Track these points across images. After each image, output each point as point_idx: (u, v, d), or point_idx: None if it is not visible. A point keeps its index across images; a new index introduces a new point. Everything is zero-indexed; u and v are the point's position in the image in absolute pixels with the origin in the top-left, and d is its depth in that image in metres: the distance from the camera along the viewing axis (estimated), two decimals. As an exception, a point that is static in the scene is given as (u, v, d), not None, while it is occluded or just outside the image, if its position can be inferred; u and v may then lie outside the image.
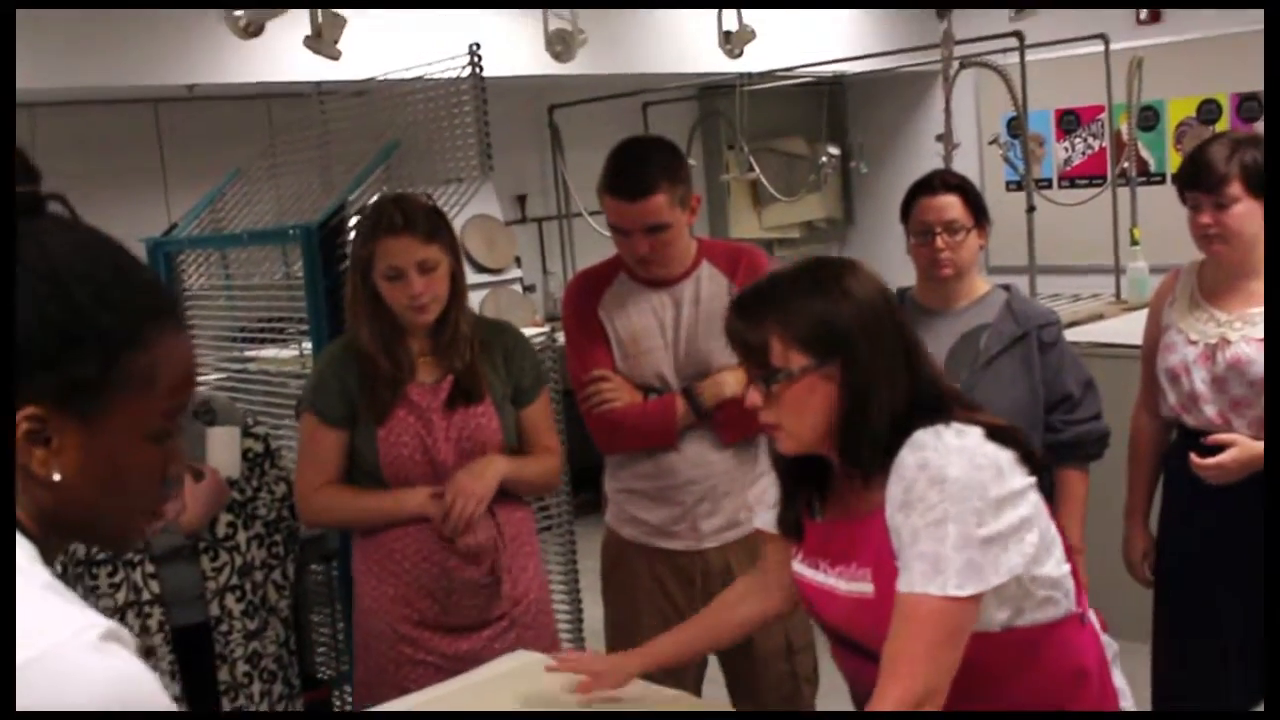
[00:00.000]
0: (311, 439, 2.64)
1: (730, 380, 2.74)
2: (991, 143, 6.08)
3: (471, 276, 6.56)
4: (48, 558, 1.11)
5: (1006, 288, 2.93)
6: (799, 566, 1.92)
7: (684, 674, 2.78)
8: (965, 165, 7.04)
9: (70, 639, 0.98)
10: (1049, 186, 7.67)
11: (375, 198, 3.22)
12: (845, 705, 2.01)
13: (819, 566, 1.87)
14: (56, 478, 1.08)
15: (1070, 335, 4.57)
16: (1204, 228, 2.72)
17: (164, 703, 1.02)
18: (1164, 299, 2.91)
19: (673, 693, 2.32)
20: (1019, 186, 6.75)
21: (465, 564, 2.60)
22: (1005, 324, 2.83)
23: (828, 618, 1.88)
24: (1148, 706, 3.04)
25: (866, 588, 1.77)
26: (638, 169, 2.69)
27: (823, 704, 2.99)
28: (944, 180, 2.91)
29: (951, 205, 2.84)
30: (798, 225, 8.75)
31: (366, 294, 2.60)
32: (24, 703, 0.94)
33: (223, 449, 2.84)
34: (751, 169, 6.69)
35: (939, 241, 2.82)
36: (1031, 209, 5.28)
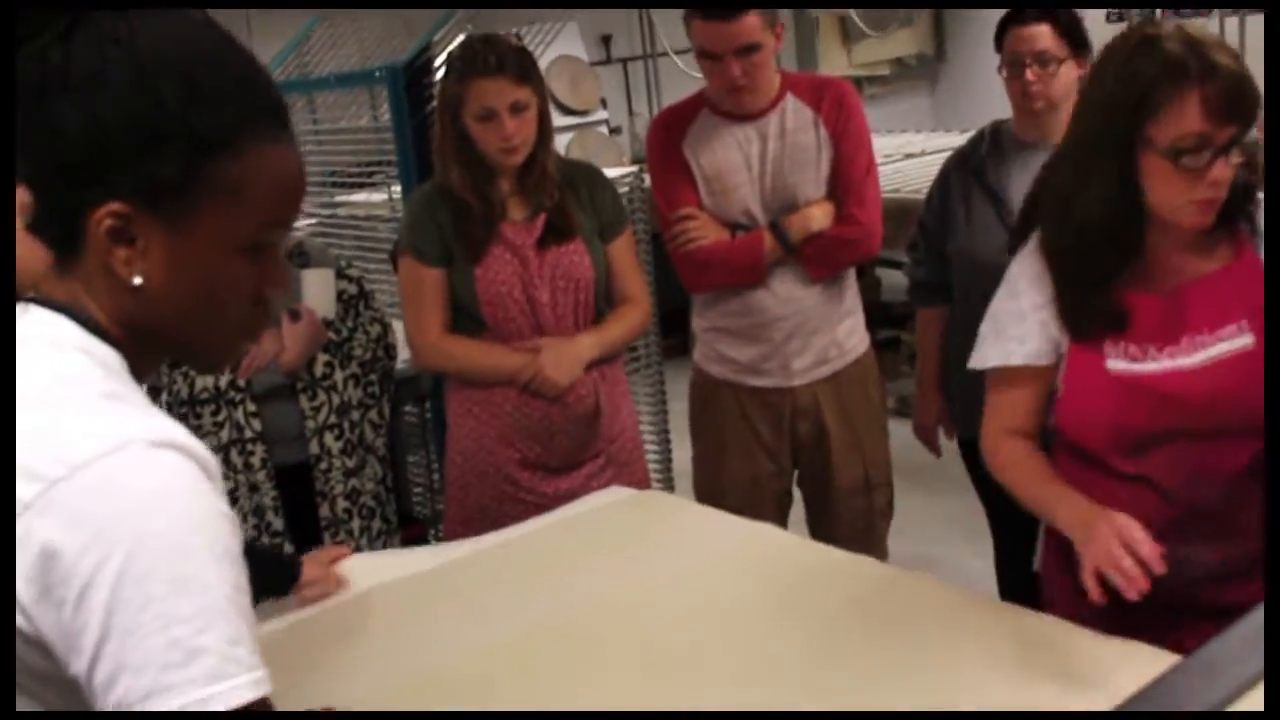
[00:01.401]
0: (413, 281, 2.66)
1: (818, 214, 2.75)
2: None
3: (557, 119, 6.52)
4: (137, 370, 1.07)
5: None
6: (1119, 365, 1.82)
7: (764, 506, 2.85)
8: None
9: (114, 450, 0.95)
10: (1153, 14, 7.39)
11: (462, 37, 3.19)
12: (912, 543, 2.04)
13: (1159, 350, 1.80)
14: (138, 281, 1.03)
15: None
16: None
17: (210, 509, 0.97)
18: None
19: (755, 524, 2.36)
20: (1120, 18, 6.50)
21: (562, 409, 2.64)
22: (1107, 158, 2.75)
23: (1179, 402, 1.78)
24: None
25: (1245, 340, 1.76)
26: None
27: (893, 541, 3.04)
28: (1034, 7, 2.80)
29: (1042, 35, 2.73)
30: (888, 62, 8.53)
31: (455, 135, 2.59)
32: (61, 515, 0.92)
33: (318, 290, 2.88)
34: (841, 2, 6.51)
35: (1029, 74, 2.72)
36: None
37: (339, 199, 4.17)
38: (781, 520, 2.90)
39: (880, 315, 6.45)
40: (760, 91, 2.74)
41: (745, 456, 2.88)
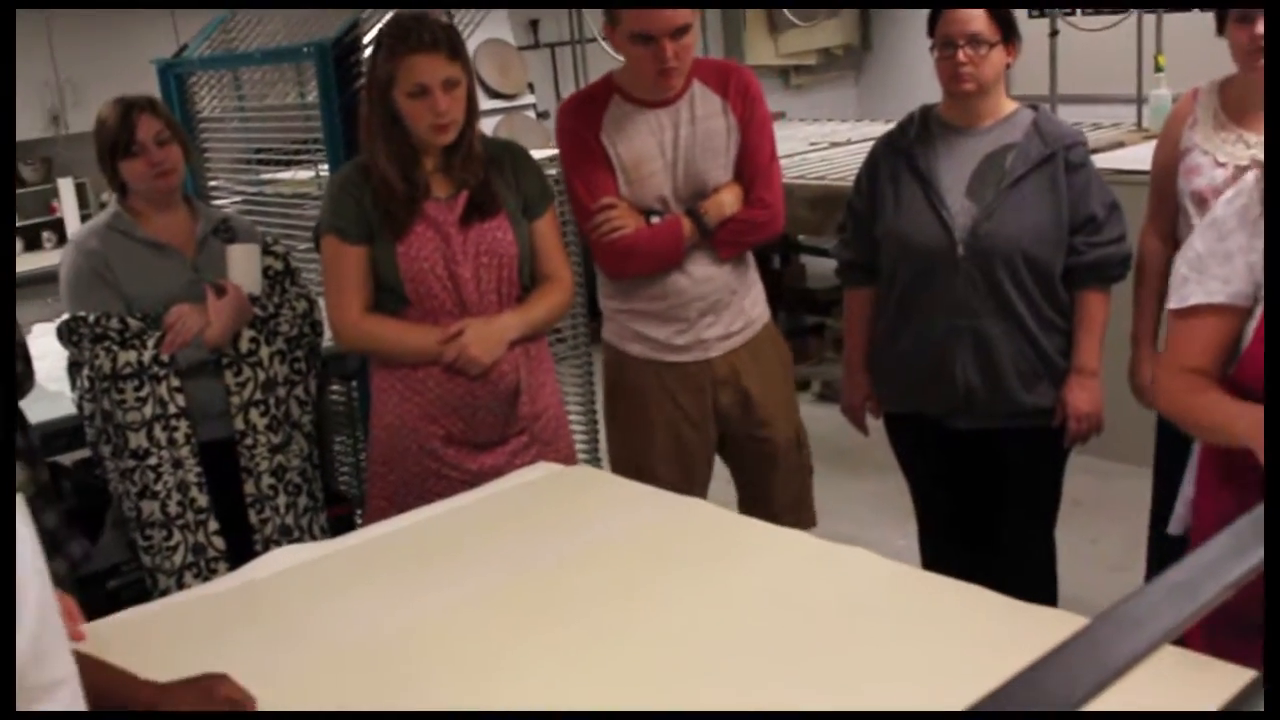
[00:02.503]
0: (336, 260, 2.64)
1: (729, 199, 2.85)
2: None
3: (485, 102, 6.51)
4: None
5: (1035, 108, 2.88)
6: None
7: (695, 477, 2.90)
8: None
9: None
10: (1073, 11, 7.50)
11: (391, 14, 3.16)
12: (838, 523, 2.08)
13: None
14: None
15: (1110, 160, 4.56)
16: (1255, 40, 2.65)
17: None
18: (1183, 120, 2.85)
19: (684, 498, 2.39)
20: (1042, 14, 6.60)
21: (485, 385, 2.63)
22: (1032, 144, 2.79)
23: None
24: (1145, 529, 3.10)
25: None
26: None
27: (821, 521, 3.10)
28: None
29: (975, 17, 2.76)
30: (814, 52, 8.59)
31: (383, 113, 2.57)
32: None
33: (244, 266, 2.84)
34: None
35: (961, 55, 2.75)
36: (1054, 33, 5.16)
37: (265, 177, 4.11)
38: (704, 490, 2.96)
39: (806, 302, 6.51)
40: (684, 75, 2.79)
41: (671, 430, 2.94)
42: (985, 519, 3.00)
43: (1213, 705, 0.79)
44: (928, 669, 1.66)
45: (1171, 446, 2.94)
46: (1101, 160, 4.41)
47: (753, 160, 2.86)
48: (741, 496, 3.07)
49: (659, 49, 2.68)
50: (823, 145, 6.22)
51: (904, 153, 2.87)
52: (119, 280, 2.78)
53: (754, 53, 8.23)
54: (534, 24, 7.27)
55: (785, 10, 7.18)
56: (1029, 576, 2.83)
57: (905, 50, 8.01)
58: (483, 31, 6.34)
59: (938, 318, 2.81)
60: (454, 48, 2.55)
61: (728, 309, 2.92)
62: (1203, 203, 2.76)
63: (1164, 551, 2.86)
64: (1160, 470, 2.97)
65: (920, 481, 3.11)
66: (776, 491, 2.98)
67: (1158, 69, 5.45)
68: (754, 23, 8.11)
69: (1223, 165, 2.75)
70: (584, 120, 2.84)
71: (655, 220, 2.83)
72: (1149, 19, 5.66)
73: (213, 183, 4.15)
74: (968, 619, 1.80)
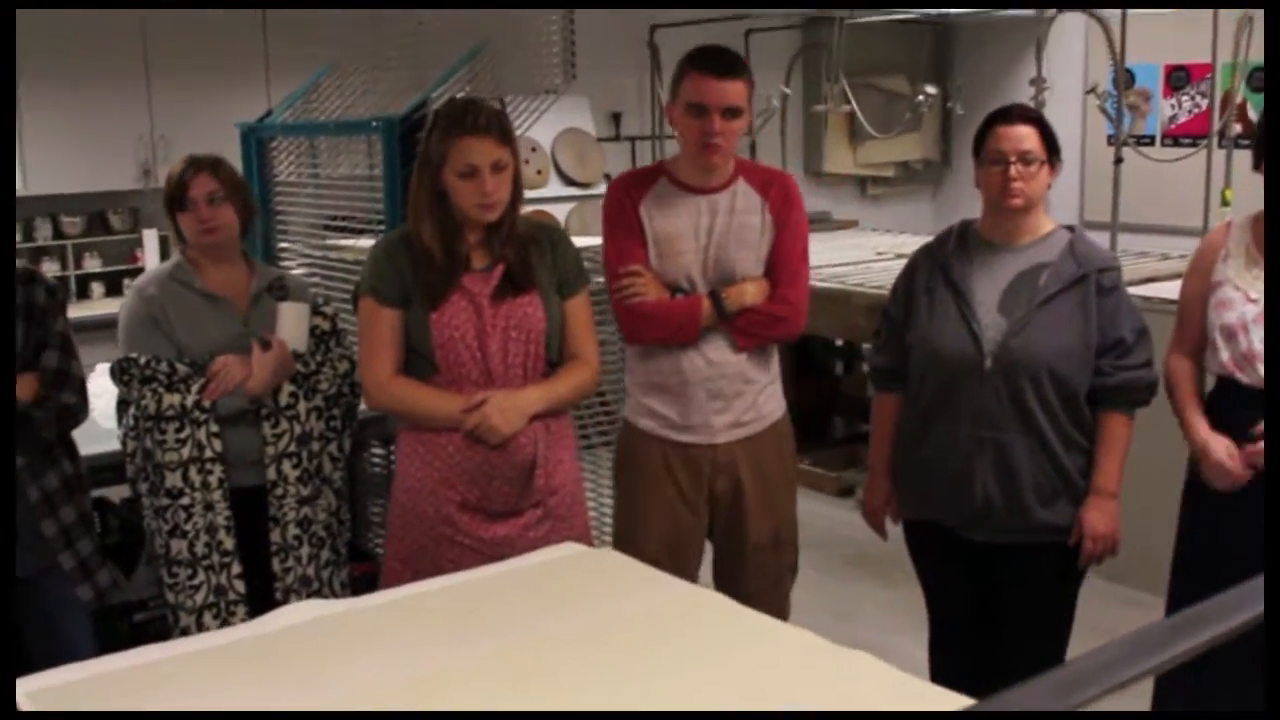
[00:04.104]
0: (370, 321, 2.74)
1: (753, 289, 2.94)
2: (1089, 92, 5.98)
3: (559, 188, 6.67)
4: None
5: (1071, 228, 2.93)
6: None
7: (684, 557, 2.94)
8: (1066, 115, 6.96)
9: None
10: (1151, 143, 7.54)
11: (447, 98, 3.30)
12: (860, 629, 2.08)
13: None
14: None
15: (1148, 290, 4.58)
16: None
17: None
18: (1216, 252, 2.88)
19: (700, 590, 2.41)
20: (1124, 143, 6.66)
21: (503, 455, 2.71)
22: (1066, 264, 2.84)
23: None
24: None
25: None
26: (726, 53, 2.89)
27: (840, 625, 3.09)
28: (1021, 111, 2.91)
29: (1028, 136, 2.83)
30: (893, 164, 8.69)
31: (431, 189, 2.68)
32: None
33: (292, 323, 2.96)
34: (848, 102, 6.66)
35: (1013, 170, 2.81)
36: (1119, 161, 5.21)
37: (332, 242, 4.26)
38: (695, 573, 3.00)
39: (863, 410, 6.53)
40: (728, 157, 2.91)
41: (667, 508, 3.01)
42: (997, 633, 2.99)
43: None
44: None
45: (1187, 575, 2.94)
46: (1164, 290, 4.44)
47: (783, 259, 2.96)
48: (716, 583, 3.07)
49: (708, 122, 2.81)
50: (889, 256, 6.28)
51: (941, 264, 2.93)
52: (172, 327, 2.91)
53: (832, 160, 8.35)
54: (616, 116, 7.46)
55: (865, 123, 7.29)
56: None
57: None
58: (563, 120, 6.52)
59: (961, 428, 2.84)
60: (504, 132, 2.68)
61: (739, 398, 2.98)
62: (1232, 337, 2.78)
63: (1174, 679, 2.84)
64: (1174, 600, 2.96)
65: (934, 589, 3.12)
66: (748, 584, 2.98)
67: (1224, 203, 5.48)
68: (834, 133, 8.23)
69: (1254, 301, 2.77)
70: (628, 193, 2.97)
71: (680, 296, 2.93)
72: (1219, 153, 5.69)
73: (283, 245, 4.31)
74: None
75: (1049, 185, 2.91)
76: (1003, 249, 2.90)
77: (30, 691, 1.96)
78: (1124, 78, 5.55)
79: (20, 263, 3.01)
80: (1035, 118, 2.90)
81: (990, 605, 3.00)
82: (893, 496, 3.07)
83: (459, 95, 3.41)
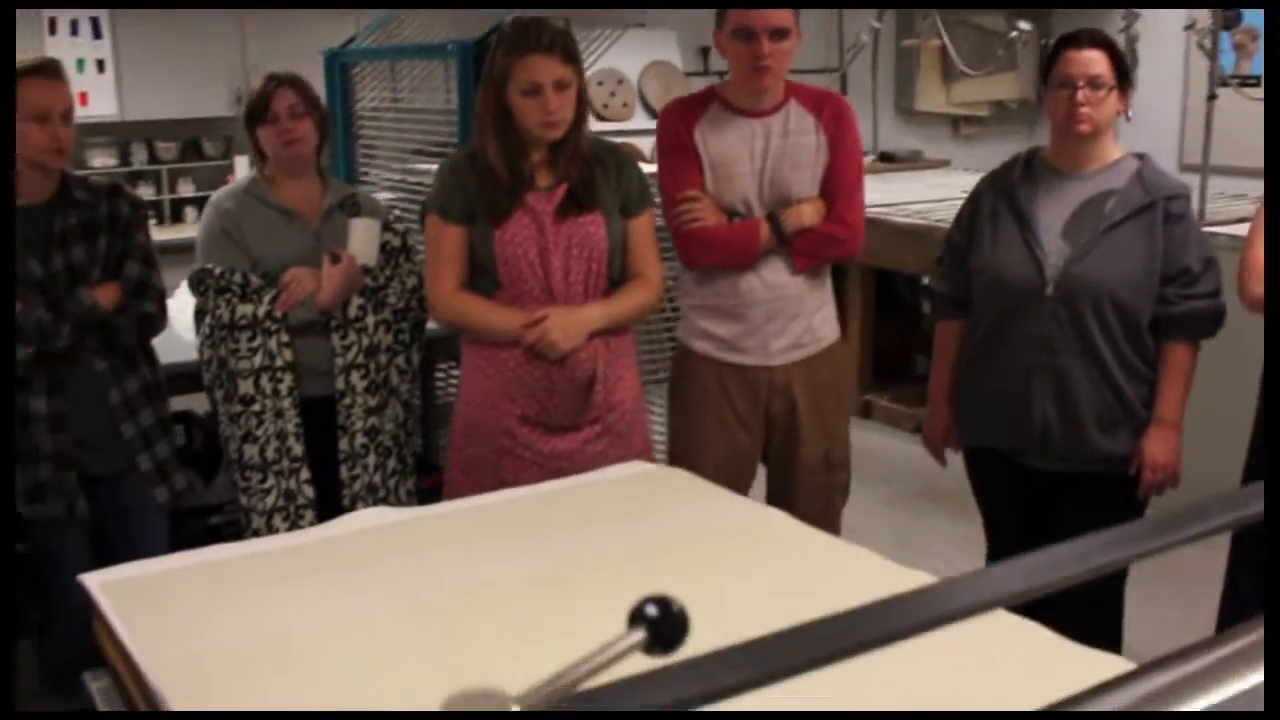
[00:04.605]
0: (436, 237, 2.80)
1: (810, 210, 2.94)
2: (1188, 28, 5.82)
3: (644, 121, 6.65)
4: None
5: (1140, 156, 2.89)
6: None
7: (739, 477, 2.97)
8: (1167, 53, 6.77)
9: None
10: (1257, 84, 7.31)
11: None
12: (924, 559, 2.07)
13: None
14: None
15: (1240, 229, 4.48)
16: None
17: None
18: None
19: (763, 509, 2.43)
20: (1224, 83, 6.47)
21: (562, 370, 2.76)
22: (1134, 191, 2.80)
23: None
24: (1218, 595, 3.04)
25: None
26: None
27: (907, 556, 3.09)
28: (1091, 36, 2.86)
29: (1097, 60, 2.79)
30: (986, 103, 8.53)
31: (497, 108, 2.72)
32: None
33: (362, 238, 3.03)
34: (939, 36, 6.55)
35: (1080, 95, 2.77)
36: (1212, 97, 5.08)
37: (410, 166, 4.32)
38: (747, 495, 3.01)
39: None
40: (779, 81, 2.91)
41: (723, 428, 3.03)
42: None
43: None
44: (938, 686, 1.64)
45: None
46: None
47: (838, 180, 2.95)
48: (770, 500, 3.09)
49: (757, 45, 2.81)
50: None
51: (1006, 191, 2.91)
52: (247, 240, 3.00)
53: (924, 98, 8.23)
54: (704, 51, 7.42)
55: (957, 59, 7.17)
56: (1092, 627, 2.81)
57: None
58: (651, 53, 6.51)
59: (1021, 354, 2.83)
60: (569, 51, 2.70)
61: (795, 320, 2.99)
62: None
63: (1237, 616, 2.81)
64: (1239, 535, 2.93)
65: (992, 518, 3.12)
66: (798, 504, 2.96)
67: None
68: (927, 70, 8.11)
69: None
70: (681, 119, 2.98)
71: (737, 220, 2.94)
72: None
73: (364, 170, 4.39)
74: (1010, 650, 1.78)
75: (1119, 113, 2.87)
76: (1069, 176, 2.87)
77: (102, 583, 2.05)
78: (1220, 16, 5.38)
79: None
80: (1106, 42, 2.85)
81: (1048, 535, 2.99)
82: (953, 424, 3.08)
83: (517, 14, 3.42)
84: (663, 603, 0.79)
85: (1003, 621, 1.84)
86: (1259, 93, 6.85)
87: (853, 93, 7.44)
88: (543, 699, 0.64)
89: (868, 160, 7.64)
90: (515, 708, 0.59)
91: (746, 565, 2.09)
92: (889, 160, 7.75)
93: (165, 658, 1.79)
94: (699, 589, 1.94)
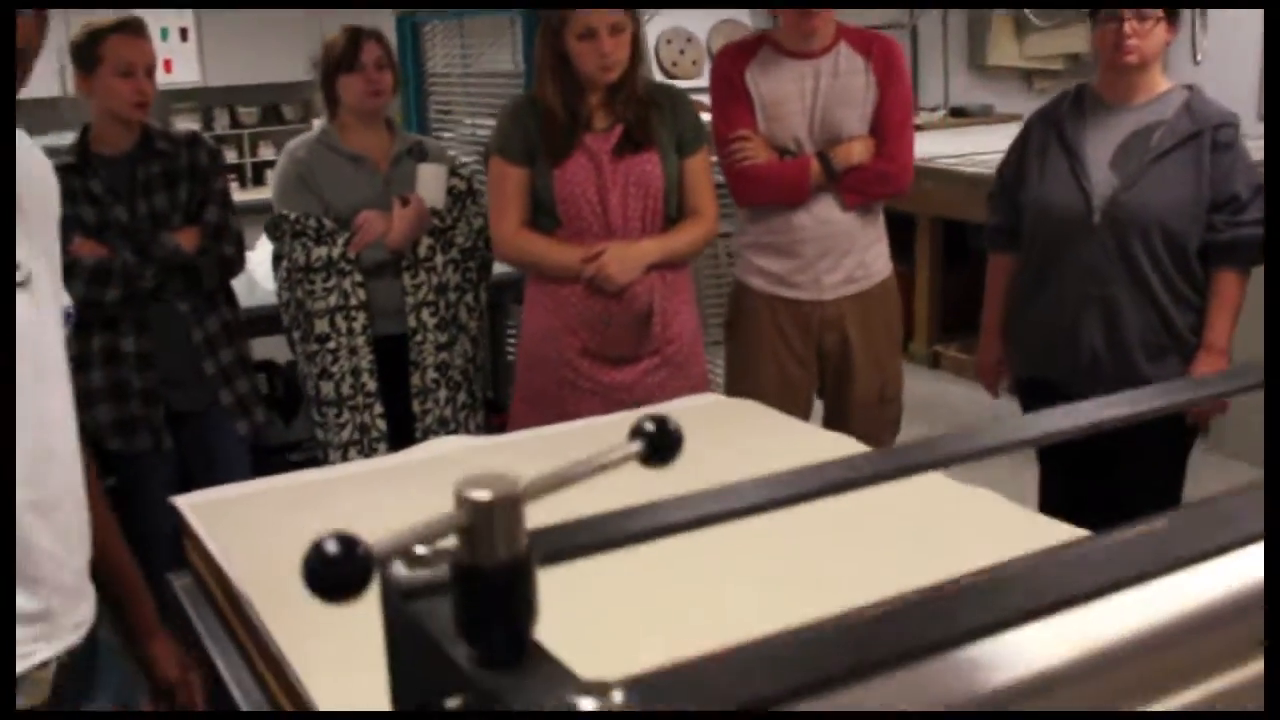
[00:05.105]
0: (499, 179, 2.92)
1: (859, 148, 3.01)
2: (1260, -30, 5.76)
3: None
4: None
5: (1189, 87, 2.92)
6: None
7: (794, 409, 3.03)
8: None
9: None
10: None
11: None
12: (953, 474, 2.08)
13: None
14: None
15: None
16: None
17: None
18: None
19: (836, 436, 2.50)
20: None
21: (620, 303, 2.87)
22: (1181, 121, 2.83)
23: None
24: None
25: None
26: None
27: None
28: None
29: None
30: (1061, 57, 8.46)
31: (554, 53, 2.83)
32: None
33: (429, 182, 3.16)
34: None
35: (1127, 27, 2.80)
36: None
37: (483, 123, 4.45)
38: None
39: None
40: (828, 21, 3.01)
41: (777, 363, 3.12)
42: (1104, 499, 3.03)
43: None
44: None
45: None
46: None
47: (887, 119, 3.03)
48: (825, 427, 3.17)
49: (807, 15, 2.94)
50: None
51: (1055, 125, 2.96)
52: (320, 186, 3.14)
53: (996, 52, 8.19)
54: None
55: (1028, 11, 7.15)
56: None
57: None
58: (720, 11, 6.58)
59: (1070, 284, 2.89)
60: None
61: (847, 255, 3.07)
62: None
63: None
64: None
65: (1043, 452, 3.18)
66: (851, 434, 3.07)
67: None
68: (999, 24, 8.07)
69: None
70: (733, 62, 3.07)
71: (788, 158, 3.03)
72: None
73: (436, 130, 4.53)
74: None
75: (1168, 43, 2.89)
76: (1118, 108, 2.91)
77: (191, 504, 2.19)
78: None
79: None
80: None
81: (1099, 469, 3.05)
82: (1005, 356, 3.14)
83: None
84: (660, 420, 0.89)
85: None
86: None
87: (924, 48, 7.44)
88: (540, 488, 0.73)
89: (939, 115, 7.66)
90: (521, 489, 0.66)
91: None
92: (961, 115, 7.74)
93: (249, 562, 1.92)
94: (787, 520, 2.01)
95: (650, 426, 0.92)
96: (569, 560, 0.69)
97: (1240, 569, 0.71)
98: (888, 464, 0.86)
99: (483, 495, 0.59)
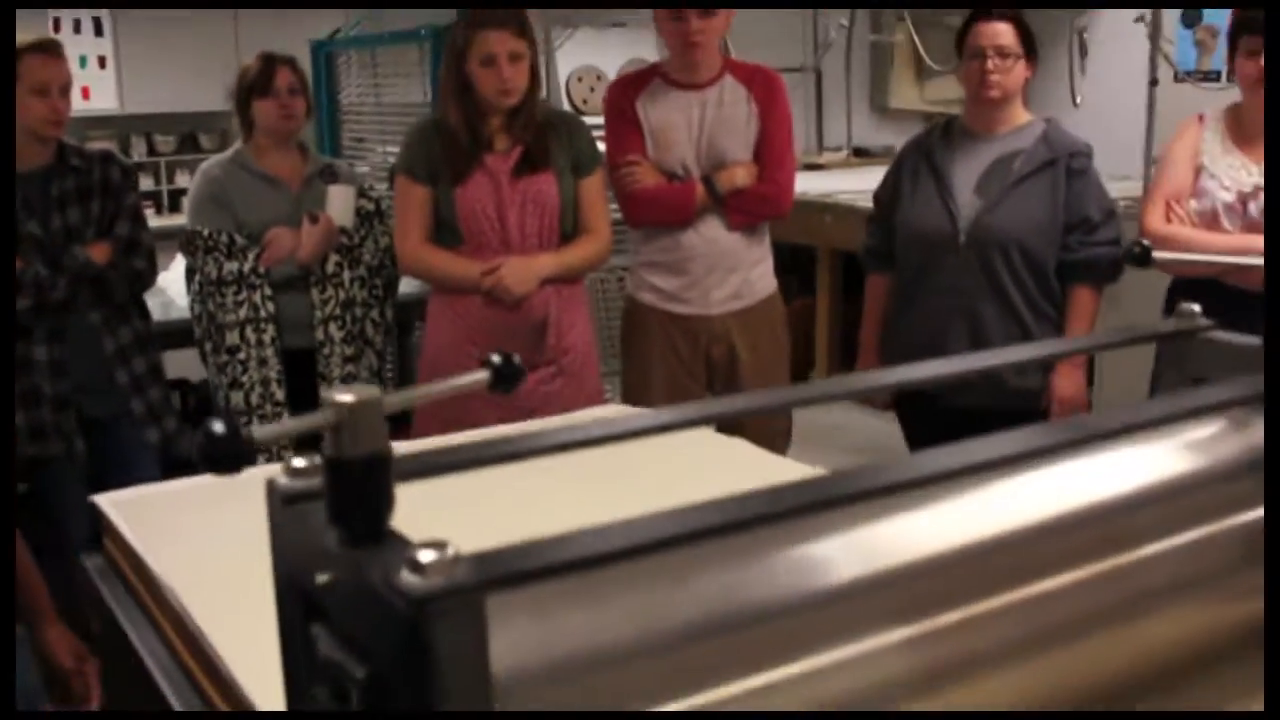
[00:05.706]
0: (404, 196, 3.09)
1: (742, 173, 3.21)
2: (1137, 20, 6.08)
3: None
4: None
5: (1048, 120, 3.16)
6: None
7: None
8: (1132, 52, 7.02)
9: None
10: (1218, 79, 7.57)
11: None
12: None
13: None
14: None
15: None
16: (1260, 71, 2.90)
17: None
18: (1198, 140, 3.09)
19: (731, 440, 2.66)
20: (1188, 75, 6.72)
21: (518, 315, 3.04)
22: (1039, 150, 3.07)
23: None
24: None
25: None
26: None
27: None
28: (999, 9, 3.13)
29: (1004, 32, 3.06)
30: (958, 101, 8.78)
31: (457, 78, 3.01)
32: None
33: (339, 203, 3.31)
34: (906, 32, 6.81)
35: (990, 64, 3.05)
36: (1154, 82, 5.34)
37: (391, 149, 4.60)
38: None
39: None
40: (710, 54, 3.20)
41: (668, 373, 3.30)
42: None
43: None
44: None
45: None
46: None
47: (768, 144, 3.24)
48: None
49: (685, 24, 3.11)
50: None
51: (925, 152, 3.19)
52: (233, 203, 3.28)
53: (898, 95, 8.49)
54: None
55: (928, 58, 7.43)
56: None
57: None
58: (630, 51, 6.76)
59: (938, 300, 3.10)
60: (522, 26, 3.00)
61: (733, 273, 3.25)
62: (1212, 222, 2.99)
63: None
64: None
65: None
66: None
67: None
68: (900, 69, 8.37)
69: (1228, 189, 2.99)
70: (624, 92, 3.27)
71: (676, 182, 3.22)
72: None
73: (349, 159, 4.67)
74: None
75: (1026, 79, 3.14)
76: (983, 137, 3.14)
77: (112, 500, 2.30)
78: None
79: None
80: (1013, 15, 3.12)
81: None
82: (880, 369, 3.34)
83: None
84: (506, 355, 1.07)
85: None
86: (1217, 86, 7.12)
87: (828, 90, 7.70)
88: (398, 400, 0.88)
89: (841, 155, 7.92)
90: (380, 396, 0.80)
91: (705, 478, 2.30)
92: (863, 154, 8.01)
93: (170, 553, 2.03)
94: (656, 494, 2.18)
95: (497, 359, 1.09)
96: (425, 478, 0.80)
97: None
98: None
99: (347, 398, 0.71)
